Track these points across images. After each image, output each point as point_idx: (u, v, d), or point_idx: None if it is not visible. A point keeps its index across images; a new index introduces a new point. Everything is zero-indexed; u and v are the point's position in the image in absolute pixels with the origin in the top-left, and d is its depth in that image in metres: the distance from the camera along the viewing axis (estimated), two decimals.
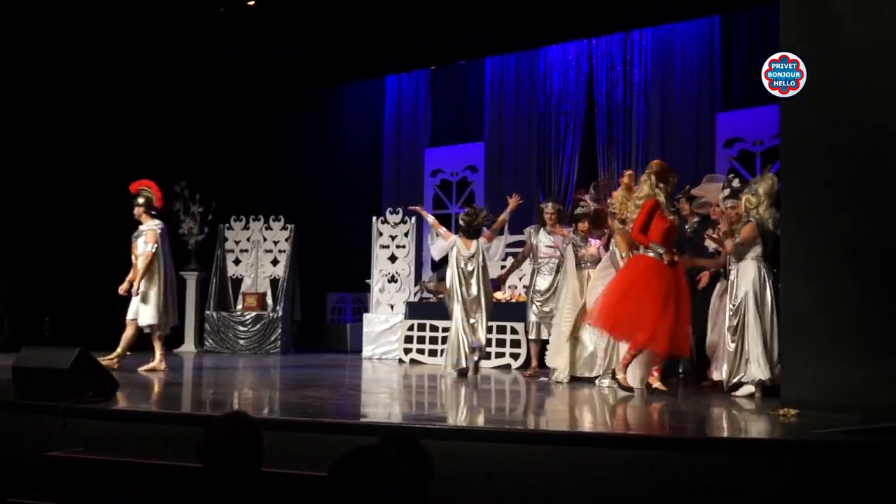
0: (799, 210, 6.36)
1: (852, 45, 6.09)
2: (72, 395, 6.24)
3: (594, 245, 9.24)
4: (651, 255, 7.71)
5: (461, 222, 9.63)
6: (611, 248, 8.77)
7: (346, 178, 15.27)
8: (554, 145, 13.71)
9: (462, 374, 9.31)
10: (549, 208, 9.78)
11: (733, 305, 7.71)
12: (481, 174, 14.30)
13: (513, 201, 9.72)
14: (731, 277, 7.84)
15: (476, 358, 9.40)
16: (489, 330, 10.81)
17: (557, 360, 9.02)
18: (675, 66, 12.79)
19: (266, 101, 14.37)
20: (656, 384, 7.86)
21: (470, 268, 9.36)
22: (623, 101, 13.17)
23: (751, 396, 7.49)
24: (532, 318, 9.79)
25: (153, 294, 9.28)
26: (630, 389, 7.74)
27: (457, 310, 9.33)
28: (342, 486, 2.32)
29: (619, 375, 7.81)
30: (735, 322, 7.67)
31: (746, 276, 7.66)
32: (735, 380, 7.67)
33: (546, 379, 9.21)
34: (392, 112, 15.39)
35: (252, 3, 13.01)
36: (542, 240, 9.75)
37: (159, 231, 9.37)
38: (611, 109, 13.28)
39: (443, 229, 9.85)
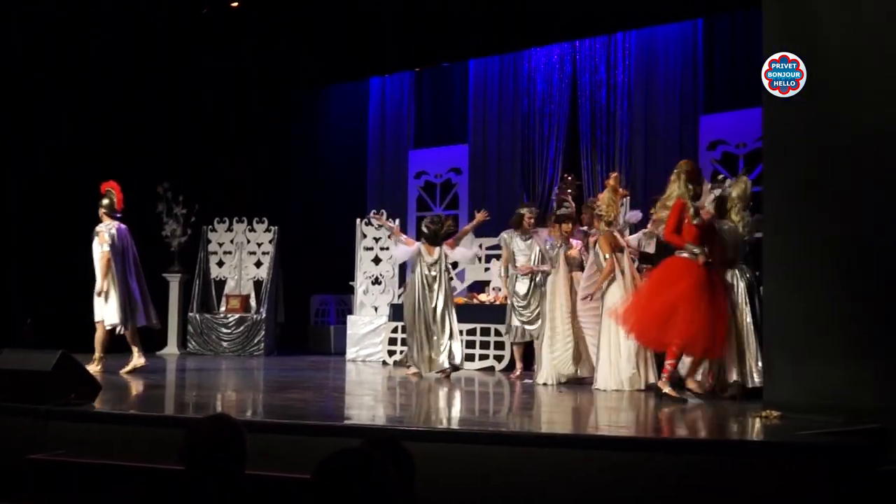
0: (782, 211, 6.38)
1: (835, 46, 6.12)
2: (54, 397, 6.20)
3: (575, 246, 9.27)
4: (685, 255, 7.50)
5: (425, 230, 9.92)
6: (595, 249, 8.78)
7: (330, 179, 15.23)
8: (538, 147, 13.72)
9: (418, 375, 9.63)
10: (530, 213, 9.82)
11: None
12: (465, 176, 14.30)
13: (479, 216, 9.92)
14: None
15: (449, 368, 9.56)
16: (472, 332, 10.89)
17: (568, 367, 9.03)
18: (658, 69, 12.81)
19: (249, 103, 14.30)
20: (667, 389, 7.56)
21: (433, 273, 9.66)
22: (607, 103, 13.19)
23: (734, 399, 7.51)
24: (514, 322, 9.81)
25: (111, 294, 9.32)
26: (701, 396, 7.53)
27: (414, 317, 9.60)
28: (326, 488, 2.32)
29: (690, 385, 7.65)
30: None
31: None
32: (723, 384, 7.70)
33: (530, 381, 9.22)
34: (376, 114, 15.36)
35: (235, 4, 12.96)
36: (518, 244, 9.80)
37: (107, 232, 9.35)
38: (594, 112, 13.29)
39: (403, 237, 10.44)
